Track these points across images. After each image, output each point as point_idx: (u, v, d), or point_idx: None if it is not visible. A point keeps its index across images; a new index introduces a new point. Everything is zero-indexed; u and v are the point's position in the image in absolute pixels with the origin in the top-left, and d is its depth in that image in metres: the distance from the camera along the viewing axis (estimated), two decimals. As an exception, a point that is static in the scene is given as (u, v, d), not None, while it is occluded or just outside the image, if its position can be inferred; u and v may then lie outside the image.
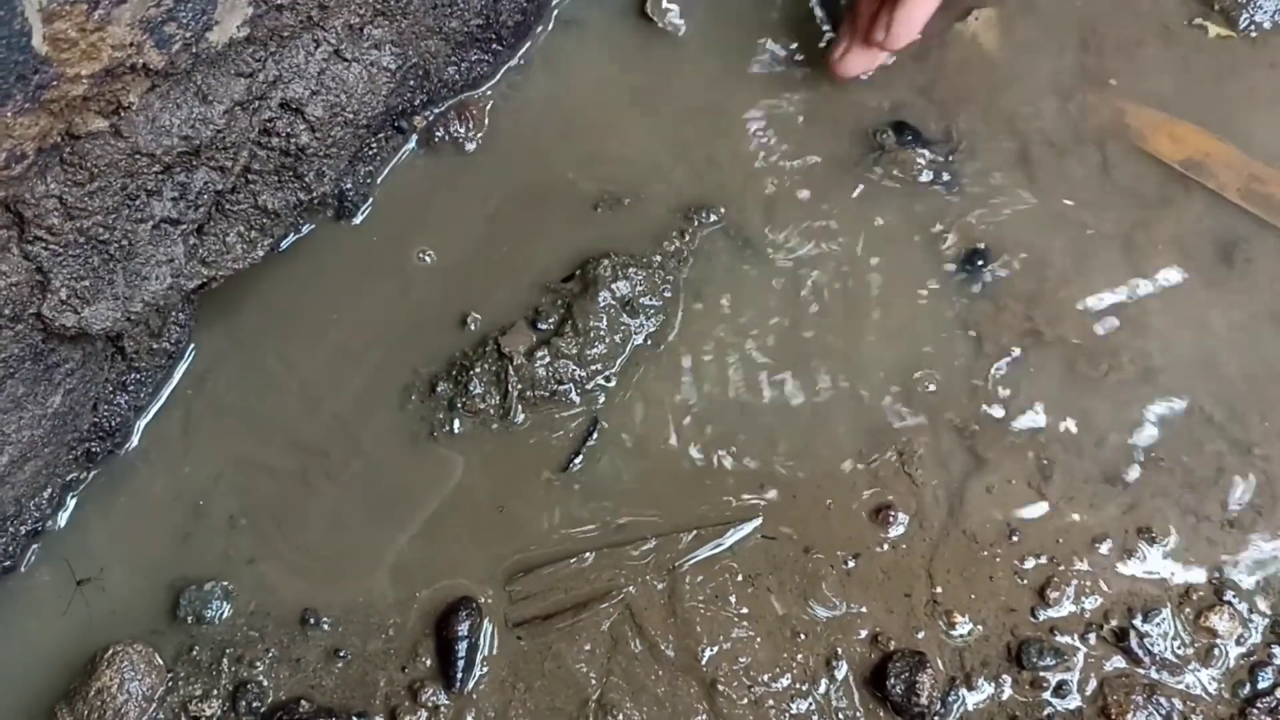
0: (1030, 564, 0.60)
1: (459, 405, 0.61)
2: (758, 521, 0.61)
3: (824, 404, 0.63)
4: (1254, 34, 0.71)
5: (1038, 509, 0.61)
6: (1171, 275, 0.65)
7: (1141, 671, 0.58)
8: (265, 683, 0.57)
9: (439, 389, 0.62)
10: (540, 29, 0.69)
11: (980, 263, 0.65)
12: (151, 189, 0.48)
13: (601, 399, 0.63)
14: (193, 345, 0.63)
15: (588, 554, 0.59)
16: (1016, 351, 0.64)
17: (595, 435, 0.62)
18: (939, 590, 0.60)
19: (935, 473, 0.62)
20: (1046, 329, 0.64)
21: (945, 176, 0.67)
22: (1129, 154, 0.68)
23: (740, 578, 0.60)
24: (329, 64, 0.53)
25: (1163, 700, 0.57)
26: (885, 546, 0.60)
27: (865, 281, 0.65)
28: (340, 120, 0.55)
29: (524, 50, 0.69)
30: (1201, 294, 0.65)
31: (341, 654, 0.58)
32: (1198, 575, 0.60)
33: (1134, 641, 0.59)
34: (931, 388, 0.63)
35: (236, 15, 0.46)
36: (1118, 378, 0.63)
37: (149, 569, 0.60)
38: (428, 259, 0.65)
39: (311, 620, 0.58)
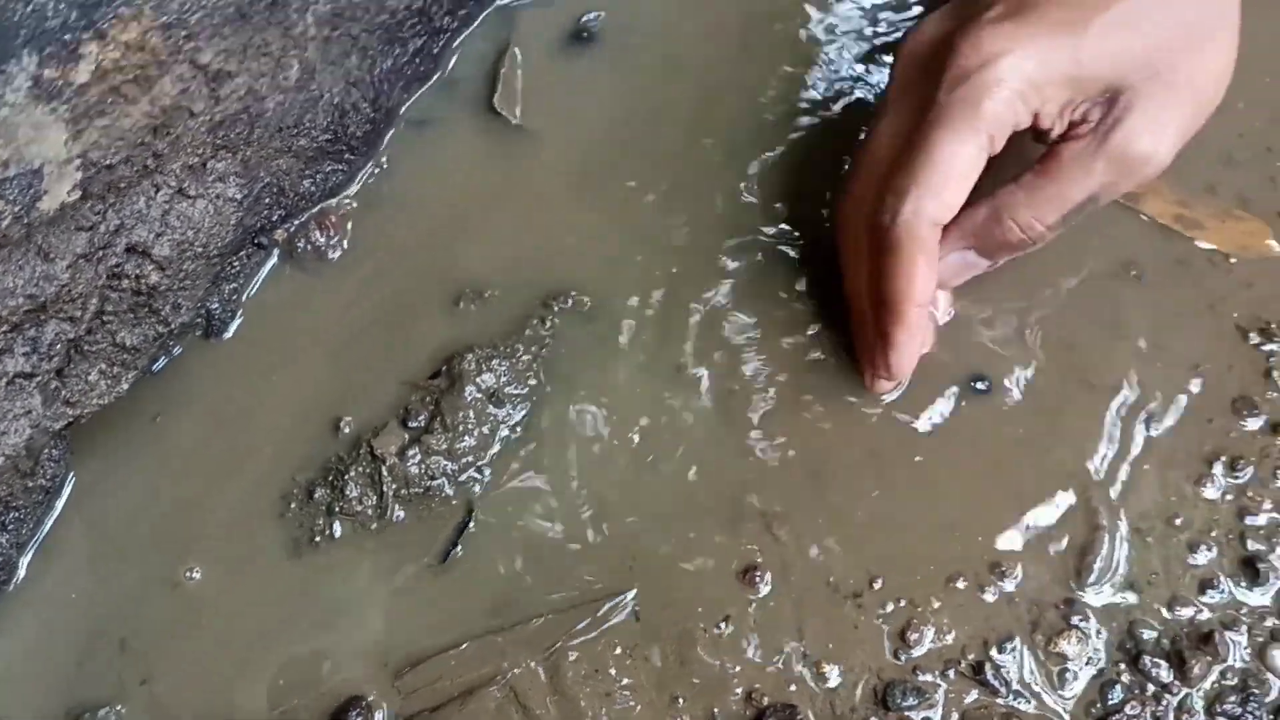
0: (890, 608, 0.64)
1: (337, 509, 0.64)
2: (633, 594, 0.64)
3: (690, 475, 0.66)
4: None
5: (896, 554, 0.65)
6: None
7: (999, 701, 0.62)
8: (163, 803, 0.59)
9: (316, 495, 0.64)
10: (391, 132, 0.72)
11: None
12: (1, 348, 0.50)
13: (476, 489, 0.65)
14: (71, 474, 0.65)
15: (470, 642, 0.62)
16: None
17: (472, 524, 0.64)
18: (807, 643, 0.63)
19: (797, 532, 0.65)
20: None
21: (789, 242, 0.71)
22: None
23: (618, 650, 0.63)
24: (172, 204, 0.55)
25: (1019, 727, 0.61)
26: (754, 606, 0.64)
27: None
28: (190, 255, 0.57)
29: (378, 155, 0.71)
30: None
31: (238, 765, 0.60)
32: (1048, 602, 0.64)
33: (990, 673, 0.63)
34: (791, 452, 0.67)
35: (66, 182, 0.48)
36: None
37: (44, 700, 0.61)
38: (299, 368, 0.68)
39: (205, 735, 0.60)
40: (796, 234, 0.72)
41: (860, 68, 0.77)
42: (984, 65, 0.57)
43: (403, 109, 0.72)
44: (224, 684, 0.62)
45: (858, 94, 0.76)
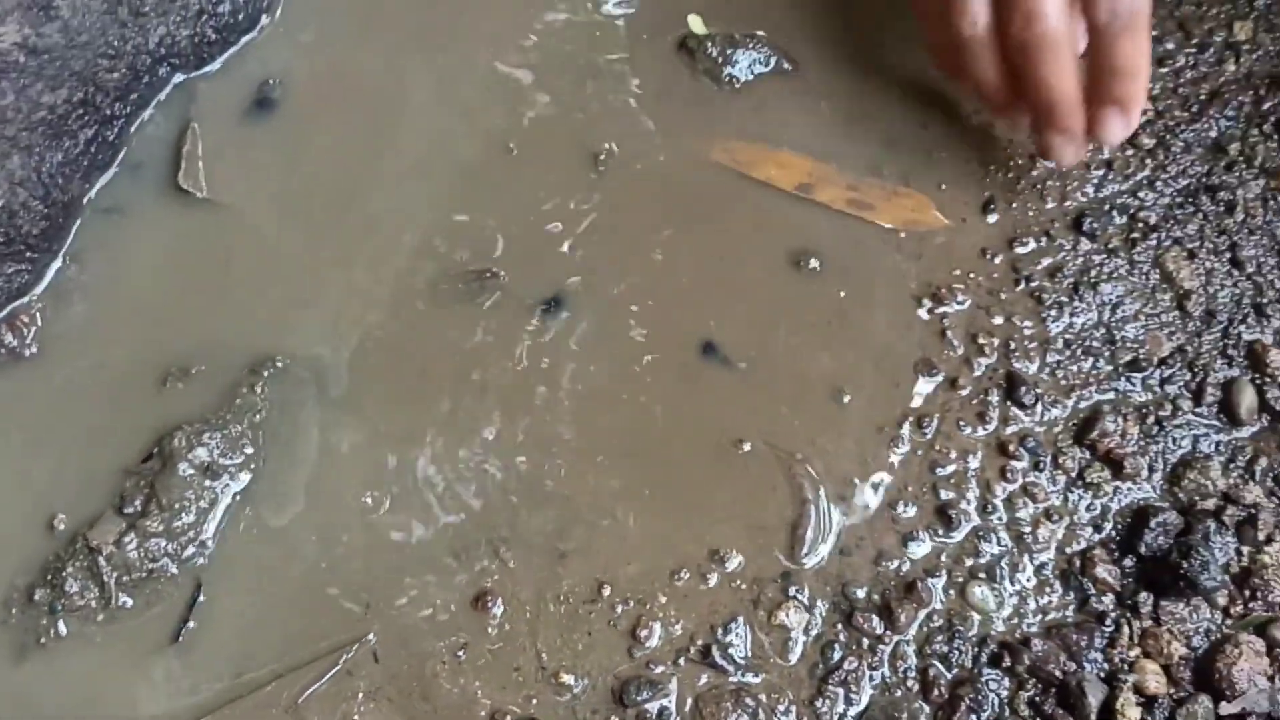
0: (620, 610, 0.67)
1: (60, 607, 0.64)
2: (370, 639, 0.65)
3: (416, 514, 0.68)
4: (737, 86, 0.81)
5: (621, 560, 0.68)
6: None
7: (730, 679, 0.66)
8: None
9: (37, 596, 0.64)
10: (76, 223, 0.72)
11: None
12: None
13: (202, 561, 0.66)
14: None
15: (209, 717, 0.63)
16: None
17: (201, 598, 0.65)
18: (544, 656, 0.66)
19: (523, 553, 0.68)
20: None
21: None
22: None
23: (361, 695, 0.64)
24: None
25: (749, 700, 0.65)
26: (490, 630, 0.66)
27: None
28: None
29: (65, 248, 0.71)
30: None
31: None
32: (767, 578, 0.68)
33: (718, 654, 0.66)
34: (508, 475, 0.70)
35: None
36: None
37: None
38: (6, 472, 0.67)
39: None
40: (499, 272, 0.75)
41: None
42: None
43: (86, 199, 0.72)
44: (-40, 803, 0.61)
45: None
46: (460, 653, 0.65)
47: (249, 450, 0.68)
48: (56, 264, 0.71)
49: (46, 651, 0.64)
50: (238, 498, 0.67)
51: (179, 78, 0.76)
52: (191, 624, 0.64)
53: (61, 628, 0.64)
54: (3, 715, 0.62)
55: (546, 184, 0.77)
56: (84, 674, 0.63)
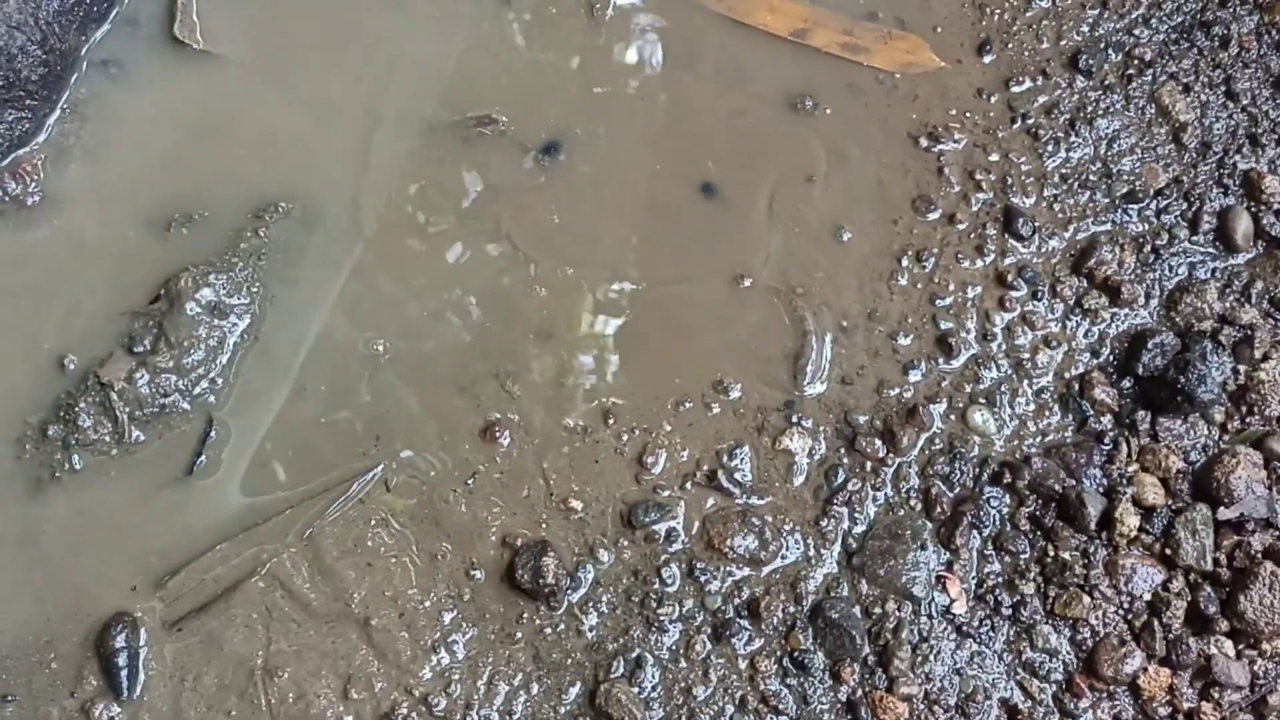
0: (626, 439, 0.68)
1: (74, 442, 0.65)
2: (379, 469, 0.66)
3: (423, 350, 0.69)
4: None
5: (626, 390, 0.69)
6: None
7: (736, 501, 0.67)
8: (-61, 748, 0.60)
9: (50, 432, 0.65)
10: (75, 76, 0.72)
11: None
12: None
13: (212, 399, 0.67)
14: None
15: (226, 542, 0.64)
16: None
17: (213, 433, 0.66)
18: (553, 483, 0.67)
19: (528, 386, 0.69)
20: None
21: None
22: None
23: (374, 522, 0.65)
24: None
25: (754, 520, 0.66)
26: (498, 459, 0.67)
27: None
28: None
29: (65, 99, 0.71)
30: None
31: (9, 698, 0.61)
32: (770, 407, 0.69)
33: (723, 479, 0.67)
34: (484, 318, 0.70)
35: None
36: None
37: None
38: (14, 315, 0.68)
39: (-27, 677, 0.61)
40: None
41: None
42: None
43: (83, 51, 0.72)
44: (-15, 627, 0.62)
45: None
46: (470, 481, 0.66)
47: (256, 290, 0.69)
48: (56, 115, 0.71)
49: (62, 485, 0.64)
50: (246, 336, 0.68)
51: (171, -68, 0.75)
52: (204, 458, 0.65)
53: (76, 462, 0.65)
54: (22, 546, 0.63)
55: (544, 34, 0.77)
56: (99, 506, 0.64)
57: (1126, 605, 0.65)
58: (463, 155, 0.73)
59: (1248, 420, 0.69)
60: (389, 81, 0.75)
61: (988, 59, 0.78)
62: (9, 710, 0.60)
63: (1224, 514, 0.65)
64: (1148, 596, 0.65)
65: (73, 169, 0.71)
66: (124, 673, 0.60)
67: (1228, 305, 0.72)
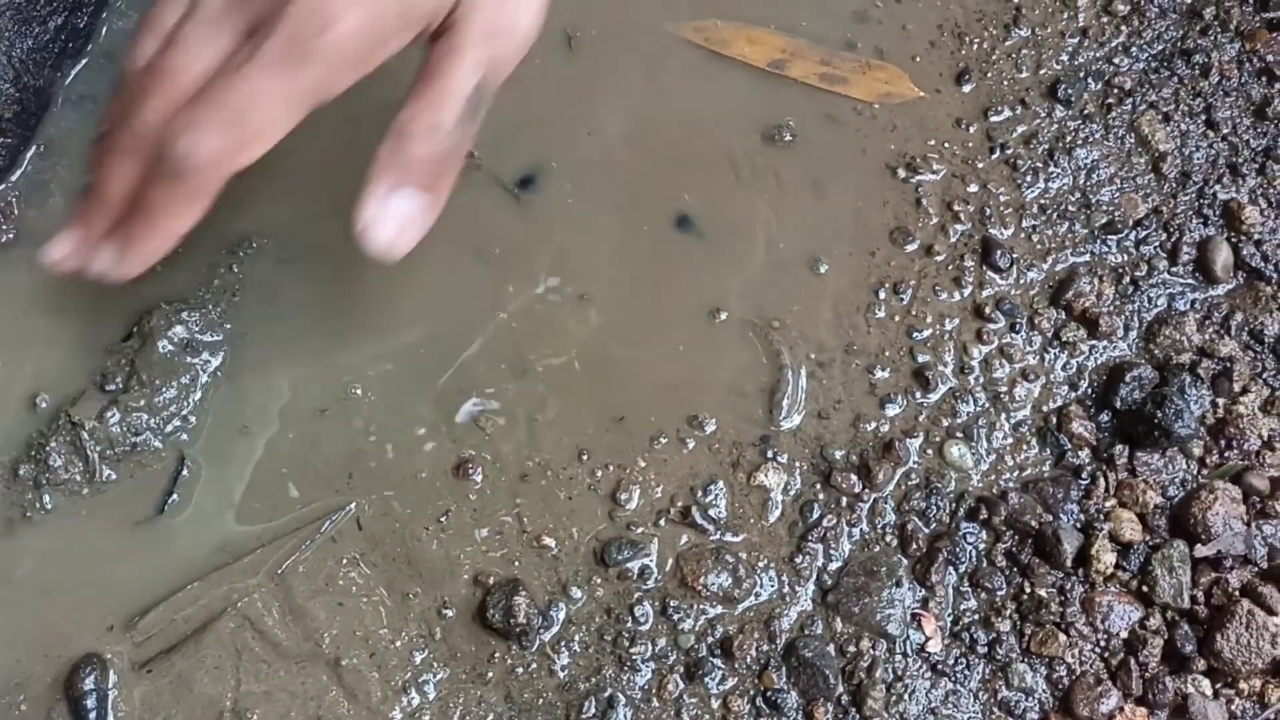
0: (600, 475, 0.68)
1: (45, 481, 0.64)
2: (351, 508, 0.66)
3: (396, 382, 0.69)
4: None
5: (598, 427, 0.69)
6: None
7: (711, 538, 0.67)
8: (-93, 792, 0.59)
9: (21, 472, 0.65)
10: (50, 112, 0.72)
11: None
12: None
13: (185, 436, 0.67)
14: None
15: (197, 582, 0.64)
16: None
17: (185, 471, 0.66)
18: (526, 520, 0.67)
19: (502, 421, 0.68)
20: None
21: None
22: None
23: (345, 561, 0.65)
24: None
25: (728, 557, 0.66)
26: (472, 496, 0.67)
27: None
28: None
29: (40, 136, 0.71)
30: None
31: (-22, 742, 0.61)
32: (745, 442, 0.69)
33: (697, 515, 0.67)
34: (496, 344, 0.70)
35: None
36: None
37: None
38: (-13, 354, 0.68)
39: (-58, 720, 0.61)
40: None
41: None
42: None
43: (59, 86, 0.72)
44: (-46, 670, 0.62)
45: None
46: (443, 518, 0.66)
47: (229, 327, 0.68)
48: (31, 151, 0.71)
49: (33, 525, 0.64)
50: (218, 374, 0.68)
51: (147, -34, 0.75)
52: (175, 496, 0.65)
53: (47, 501, 0.65)
54: (-8, 586, 0.64)
55: (520, 64, 0.77)
56: (71, 545, 0.64)
57: (1103, 643, 0.64)
58: (437, 190, 0.73)
59: (1226, 455, 0.68)
60: (358, 116, 0.74)
61: (967, 88, 0.78)
62: (-23, 753, 0.60)
63: (1201, 551, 0.65)
64: (1124, 634, 0.64)
65: (47, 206, 0.71)
66: (93, 715, 0.60)
67: (1207, 337, 0.71)
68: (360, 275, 0.71)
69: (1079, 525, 0.67)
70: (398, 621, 0.64)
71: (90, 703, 0.60)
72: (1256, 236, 0.73)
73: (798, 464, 0.69)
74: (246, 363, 0.69)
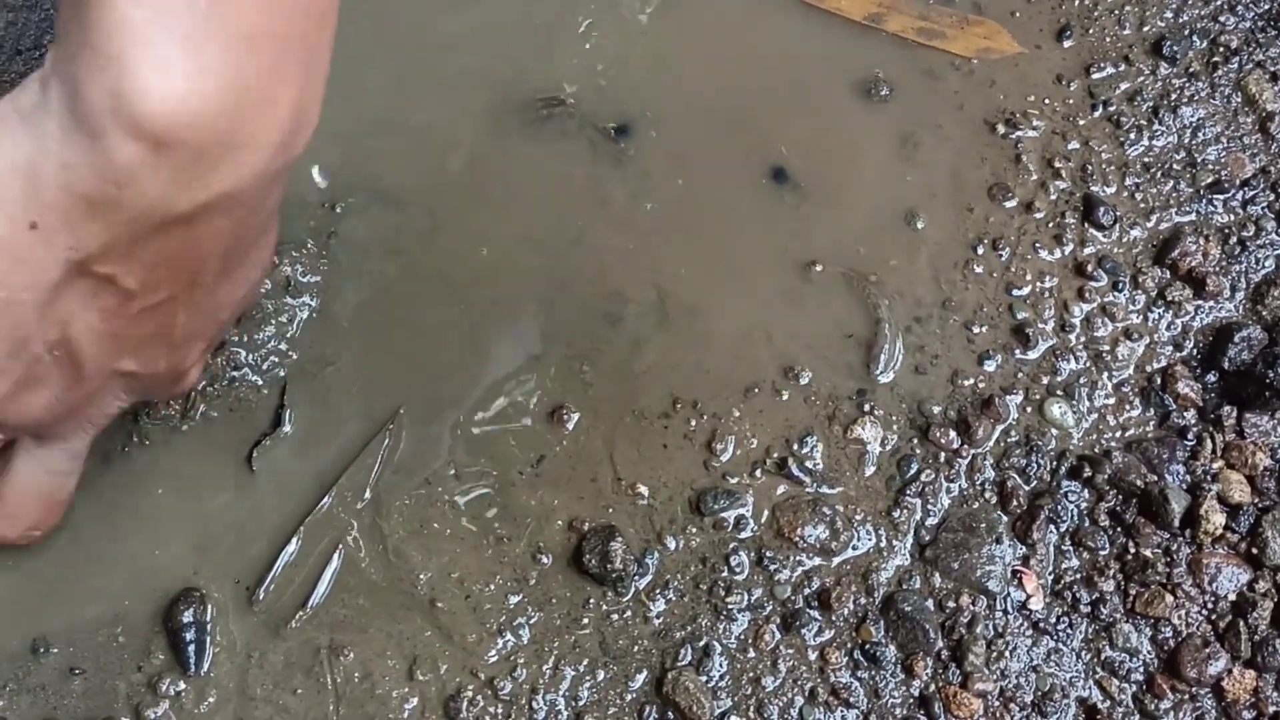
0: (695, 425, 0.67)
1: (145, 415, 0.65)
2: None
3: (489, 319, 0.68)
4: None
5: (695, 377, 0.68)
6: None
7: (807, 490, 0.66)
8: (9, 717, 0.60)
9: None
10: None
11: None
12: None
13: (282, 372, 0.67)
14: None
15: (302, 526, 0.63)
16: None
17: (285, 408, 0.66)
18: (620, 468, 0.66)
19: (598, 369, 0.68)
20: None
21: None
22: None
23: (441, 505, 0.65)
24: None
25: (826, 509, 0.65)
26: (565, 442, 0.66)
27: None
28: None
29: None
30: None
31: (78, 671, 0.61)
32: (842, 395, 0.68)
33: (793, 467, 0.66)
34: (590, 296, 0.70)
35: None
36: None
37: None
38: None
39: (42, 649, 0.61)
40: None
41: None
42: None
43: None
44: (53, 598, 0.62)
45: None
46: (537, 464, 0.66)
47: (326, 268, 0.68)
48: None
49: (129, 458, 0.64)
50: (316, 312, 0.68)
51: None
52: (282, 429, 0.65)
53: (146, 435, 0.65)
54: (89, 518, 0.64)
55: (609, 18, 0.77)
56: (168, 479, 0.64)
57: (1210, 605, 0.63)
58: (535, 138, 0.73)
59: (1338, 417, 0.67)
60: (452, 70, 0.74)
61: (1067, 44, 0.77)
62: (76, 683, 0.60)
63: (1314, 513, 0.63)
64: (1233, 596, 0.63)
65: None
66: (191, 648, 0.60)
67: (1317, 299, 0.70)
68: (453, 225, 0.71)
69: (1185, 486, 0.65)
70: (493, 565, 0.63)
71: (189, 635, 0.60)
72: (1368, 199, 0.72)
73: (895, 418, 0.68)
74: (345, 298, 0.68)
